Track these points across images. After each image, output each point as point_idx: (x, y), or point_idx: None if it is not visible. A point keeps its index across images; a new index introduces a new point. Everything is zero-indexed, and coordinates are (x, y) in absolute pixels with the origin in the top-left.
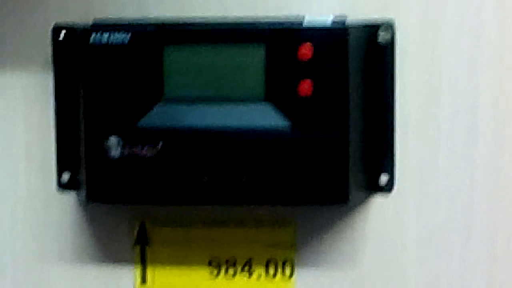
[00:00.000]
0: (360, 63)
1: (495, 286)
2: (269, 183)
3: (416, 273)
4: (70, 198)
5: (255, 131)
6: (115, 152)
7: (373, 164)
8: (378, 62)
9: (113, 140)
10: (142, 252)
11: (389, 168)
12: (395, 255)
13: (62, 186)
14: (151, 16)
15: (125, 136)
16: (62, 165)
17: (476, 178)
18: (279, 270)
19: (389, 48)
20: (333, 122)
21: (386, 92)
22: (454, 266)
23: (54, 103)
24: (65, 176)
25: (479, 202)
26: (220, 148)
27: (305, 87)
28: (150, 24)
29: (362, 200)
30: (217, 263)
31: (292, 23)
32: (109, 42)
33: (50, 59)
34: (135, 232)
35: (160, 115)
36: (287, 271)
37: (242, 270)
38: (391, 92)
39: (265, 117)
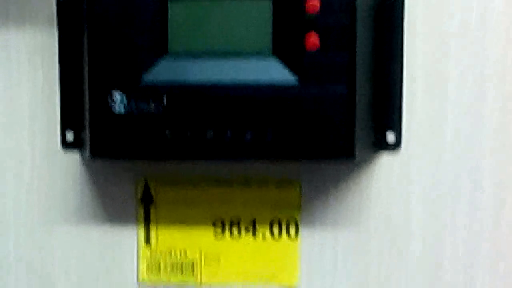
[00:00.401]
0: (369, 18)
1: (500, 243)
2: (274, 139)
3: (422, 232)
4: (74, 158)
5: (261, 86)
6: (119, 107)
7: (381, 121)
8: (387, 18)
9: (116, 95)
10: (146, 211)
11: (397, 126)
12: (401, 214)
13: (66, 144)
14: None
15: (128, 91)
16: (66, 123)
17: (484, 135)
18: (284, 230)
19: (399, 3)
20: (339, 77)
21: (395, 49)
22: (460, 224)
23: (58, 62)
24: (69, 135)
25: (487, 160)
26: (226, 103)
27: (312, 41)
28: None
29: (369, 158)
30: (221, 223)
31: None
32: None
33: (54, 17)
34: (139, 191)
35: (164, 70)
36: (292, 231)
37: (247, 230)
38: (399, 48)
39: (271, 71)
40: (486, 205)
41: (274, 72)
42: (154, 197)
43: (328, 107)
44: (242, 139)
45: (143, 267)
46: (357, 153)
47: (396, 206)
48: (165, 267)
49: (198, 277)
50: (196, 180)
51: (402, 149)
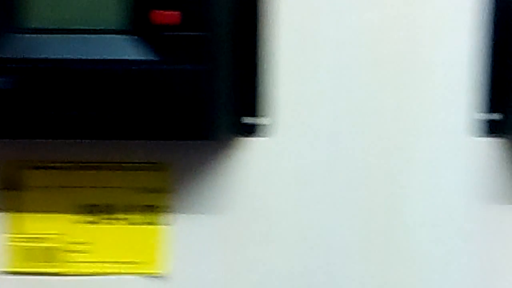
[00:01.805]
0: None
1: (369, 227)
2: (135, 118)
3: (295, 216)
4: None
5: (118, 64)
6: None
7: (248, 105)
8: None
9: None
10: (10, 196)
11: (264, 111)
12: (274, 198)
13: None
14: None
15: None
16: None
17: (349, 118)
18: (155, 216)
19: None
20: (198, 55)
21: (259, 28)
22: (331, 207)
23: None
24: None
25: (357, 142)
26: (81, 81)
27: (170, 17)
28: None
29: (239, 142)
30: (89, 209)
31: None
32: None
33: None
34: (4, 176)
35: (14, 46)
36: (163, 217)
37: (116, 216)
38: (264, 28)
39: (128, 49)
40: (352, 187)
41: (131, 49)
42: (20, 181)
43: (187, 86)
44: (100, 118)
45: (10, 255)
46: (218, 134)
47: (269, 190)
48: (33, 255)
49: (67, 265)
50: (64, 163)
51: (272, 132)
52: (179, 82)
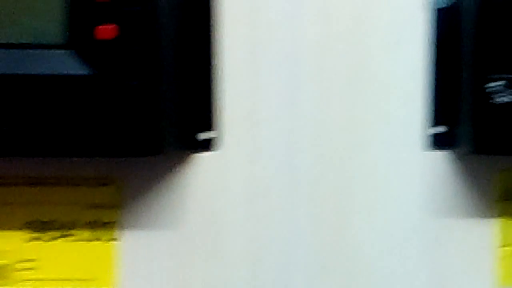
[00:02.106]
0: (175, 6)
1: (318, 239)
2: (72, 134)
3: (243, 230)
4: None
5: (56, 79)
6: None
7: (195, 120)
8: (196, 7)
9: None
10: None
11: (213, 125)
12: (221, 214)
13: None
14: None
15: None
16: None
17: (299, 132)
18: (103, 232)
19: None
20: (139, 69)
21: (206, 41)
22: (278, 221)
23: None
24: None
25: (303, 157)
26: (18, 97)
27: (108, 32)
28: None
29: (187, 157)
30: (36, 225)
31: None
32: None
33: None
34: None
35: None
36: (111, 233)
37: (63, 232)
38: (211, 41)
39: (65, 63)
40: (303, 201)
41: (68, 64)
42: None
43: (128, 101)
44: (39, 134)
45: None
46: (164, 150)
47: (217, 205)
48: None
49: (16, 283)
50: (8, 179)
51: (220, 147)
52: (119, 97)
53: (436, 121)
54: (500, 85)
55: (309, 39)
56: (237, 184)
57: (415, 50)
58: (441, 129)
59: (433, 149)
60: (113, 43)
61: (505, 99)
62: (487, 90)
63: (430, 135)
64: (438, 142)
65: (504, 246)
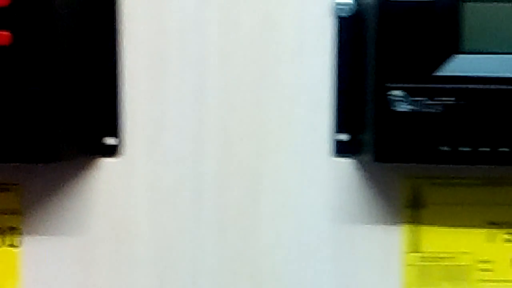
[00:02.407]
0: (75, 10)
1: (224, 246)
2: None
3: (148, 236)
4: None
5: None
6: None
7: (100, 126)
8: (100, 14)
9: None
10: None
11: (116, 131)
12: (125, 220)
13: None
14: None
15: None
16: None
17: (205, 138)
18: (4, 238)
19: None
20: (33, 76)
21: (109, 46)
22: (183, 227)
23: None
24: None
25: (209, 164)
26: None
27: (1, 37)
28: None
29: (90, 163)
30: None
31: None
32: None
33: None
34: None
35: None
36: (12, 239)
37: None
38: (115, 46)
39: None
40: (208, 207)
41: None
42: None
43: (25, 107)
44: None
45: None
46: (64, 156)
47: (121, 210)
48: None
49: None
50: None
51: (124, 153)
52: (16, 103)
53: (341, 129)
54: (400, 94)
55: (215, 46)
56: (141, 189)
57: (321, 58)
58: (344, 136)
59: (339, 156)
60: (8, 49)
61: (406, 108)
62: (387, 98)
63: (335, 143)
64: (343, 149)
65: (410, 252)
